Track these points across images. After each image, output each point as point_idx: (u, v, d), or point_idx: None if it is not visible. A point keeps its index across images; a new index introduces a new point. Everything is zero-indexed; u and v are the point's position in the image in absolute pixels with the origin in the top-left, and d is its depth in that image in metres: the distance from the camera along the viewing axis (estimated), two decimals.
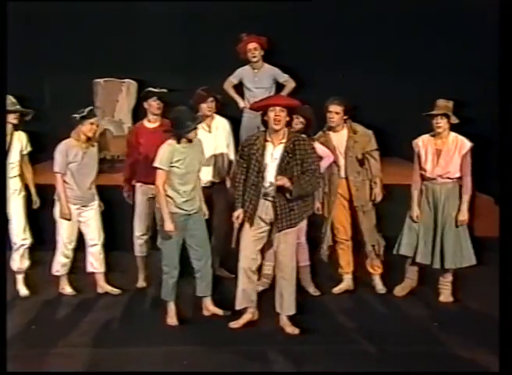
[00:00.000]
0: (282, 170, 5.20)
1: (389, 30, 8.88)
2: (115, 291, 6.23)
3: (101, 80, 8.86)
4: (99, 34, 9.00)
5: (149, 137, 6.13)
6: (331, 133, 6.09)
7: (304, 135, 5.57)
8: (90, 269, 6.25)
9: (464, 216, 5.84)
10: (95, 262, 6.20)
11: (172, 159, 5.37)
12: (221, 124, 6.27)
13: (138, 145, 6.23)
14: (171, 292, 5.52)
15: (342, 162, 6.06)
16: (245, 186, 5.32)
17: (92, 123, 5.96)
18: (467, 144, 5.82)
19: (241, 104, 7.79)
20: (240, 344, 5.13)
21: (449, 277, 6.05)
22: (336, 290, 6.25)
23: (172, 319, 5.52)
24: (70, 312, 5.85)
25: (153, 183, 6.05)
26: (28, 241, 6.14)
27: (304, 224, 6.05)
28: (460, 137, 5.84)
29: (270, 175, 5.24)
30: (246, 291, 5.41)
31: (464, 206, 5.84)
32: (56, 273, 6.19)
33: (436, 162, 5.82)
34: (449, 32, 8.60)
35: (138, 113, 7.93)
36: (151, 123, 6.29)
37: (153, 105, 6.21)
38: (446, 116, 5.74)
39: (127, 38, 9.10)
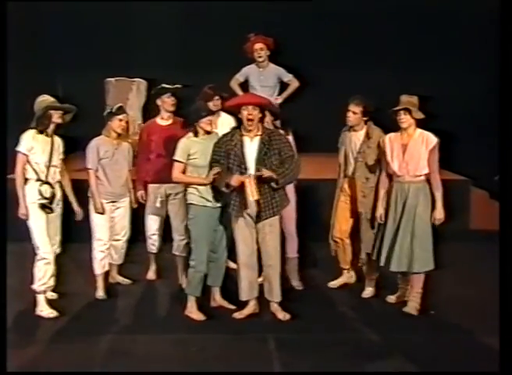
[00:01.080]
0: (260, 161, 5.31)
1: (390, 29, 9.05)
2: (126, 281, 6.39)
3: (112, 79, 9.07)
4: (110, 34, 9.24)
5: (161, 134, 6.15)
6: (349, 132, 5.93)
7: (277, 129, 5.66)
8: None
9: (440, 214, 5.51)
10: (114, 254, 6.27)
11: (188, 152, 5.45)
12: (226, 121, 6.32)
13: (150, 142, 6.20)
14: (196, 286, 5.51)
15: (352, 163, 5.91)
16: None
17: (121, 120, 5.97)
18: (433, 140, 5.52)
19: None
20: (244, 332, 5.25)
21: (418, 286, 5.62)
22: (333, 284, 6.25)
23: (197, 315, 5.50)
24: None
25: (165, 182, 6.11)
26: (58, 250, 5.86)
27: (293, 214, 6.12)
28: (427, 133, 5.57)
29: (250, 166, 5.33)
30: (252, 282, 5.56)
31: (439, 204, 5.51)
32: (99, 272, 6.06)
33: (402, 157, 5.51)
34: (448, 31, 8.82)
35: (148, 111, 8.12)
36: (164, 120, 6.28)
37: (167, 101, 6.19)
38: (410, 111, 5.49)
39: (137, 38, 9.34)
